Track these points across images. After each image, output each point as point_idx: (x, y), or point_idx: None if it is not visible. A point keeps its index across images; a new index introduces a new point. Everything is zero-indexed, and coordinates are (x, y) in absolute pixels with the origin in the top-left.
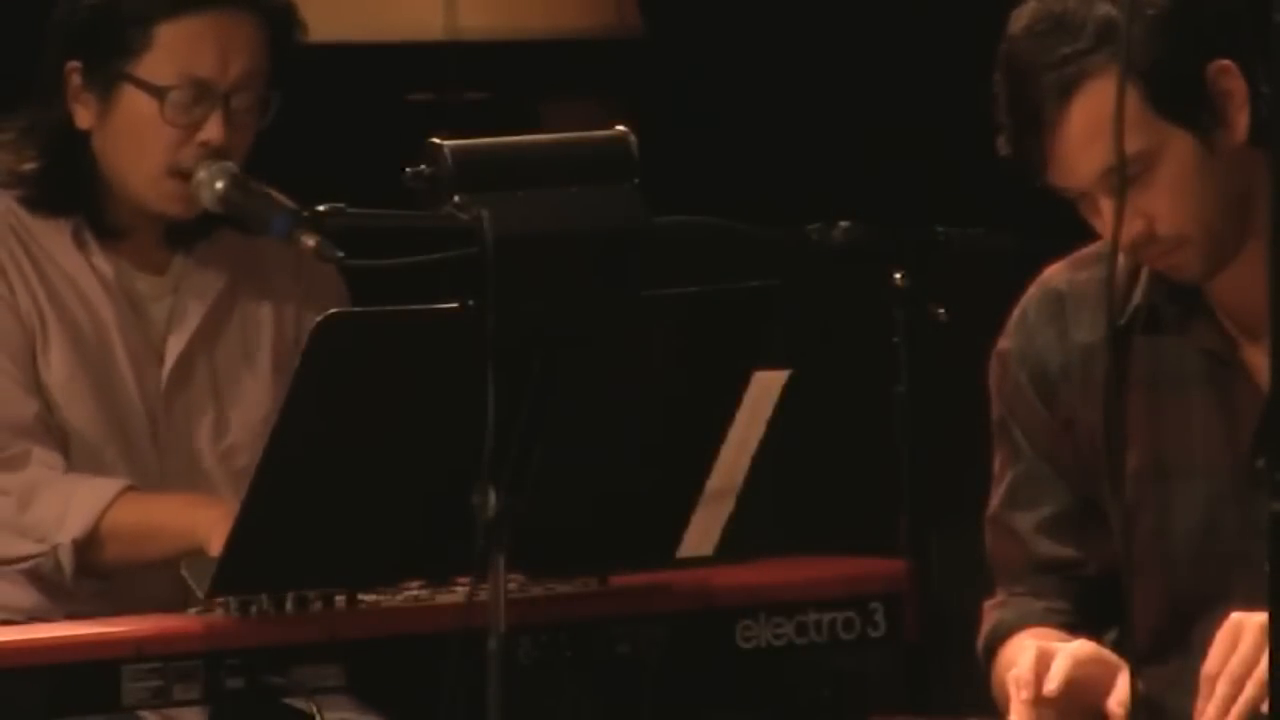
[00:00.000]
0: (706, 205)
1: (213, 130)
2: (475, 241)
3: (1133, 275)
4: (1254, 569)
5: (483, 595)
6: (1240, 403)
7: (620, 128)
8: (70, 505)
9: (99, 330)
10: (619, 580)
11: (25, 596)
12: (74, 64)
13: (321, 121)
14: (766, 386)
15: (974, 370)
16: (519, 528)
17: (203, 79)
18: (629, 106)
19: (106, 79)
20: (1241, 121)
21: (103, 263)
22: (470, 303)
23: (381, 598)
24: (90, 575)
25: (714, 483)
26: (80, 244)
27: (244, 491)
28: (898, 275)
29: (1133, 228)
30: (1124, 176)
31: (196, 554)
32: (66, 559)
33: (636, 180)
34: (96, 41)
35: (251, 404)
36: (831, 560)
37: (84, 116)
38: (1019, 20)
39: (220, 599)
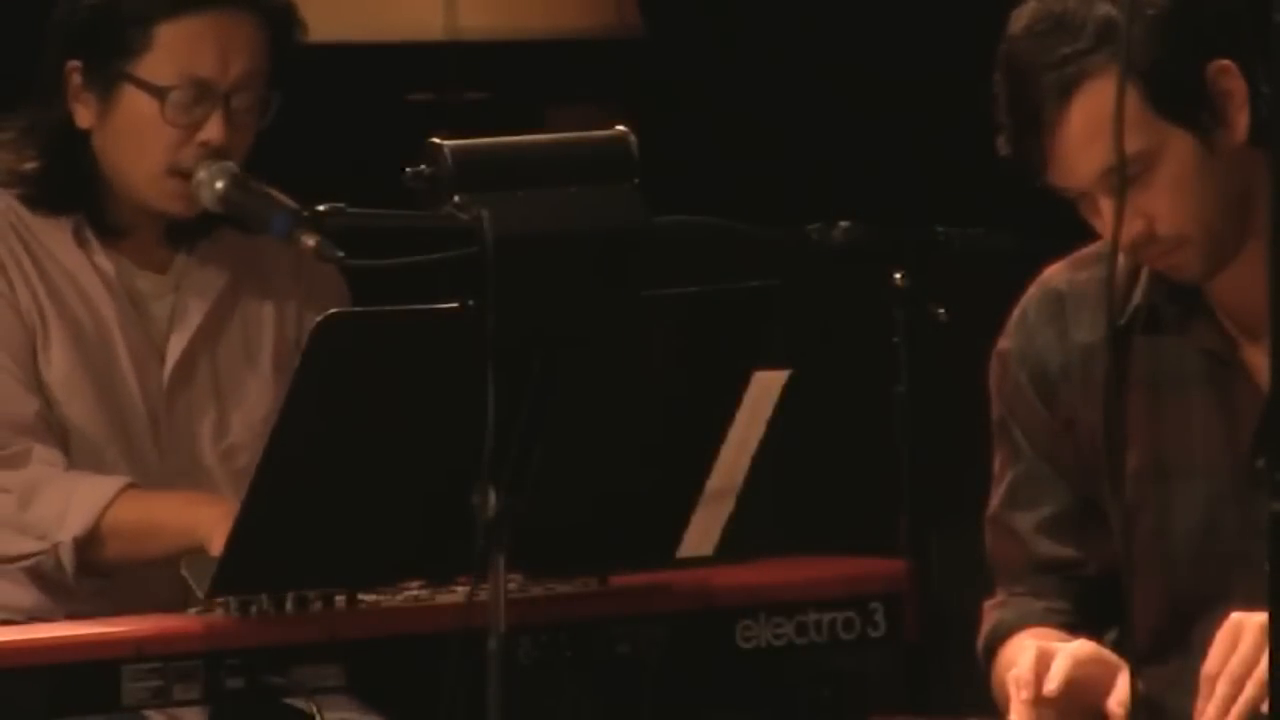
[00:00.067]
0: (706, 205)
1: (213, 130)
2: (475, 241)
3: (1133, 275)
4: (1254, 569)
5: (483, 595)
6: (1240, 403)
7: (620, 128)
8: (71, 503)
9: (100, 328)
10: (619, 580)
11: (25, 596)
12: (74, 64)
13: (321, 121)
14: (766, 386)
15: (974, 370)
16: (519, 528)
17: (203, 79)
18: (629, 107)
19: (107, 79)
20: (1241, 121)
21: (104, 261)
22: (470, 303)
23: (381, 598)
24: (91, 573)
25: (714, 483)
26: (81, 242)
27: (244, 491)
28: (898, 275)
29: (1133, 228)
30: (1124, 176)
31: (197, 553)
32: (67, 557)
33: (636, 180)
34: (97, 41)
35: (253, 404)
36: (831, 560)
37: (84, 116)
38: (1019, 20)
39: (220, 599)
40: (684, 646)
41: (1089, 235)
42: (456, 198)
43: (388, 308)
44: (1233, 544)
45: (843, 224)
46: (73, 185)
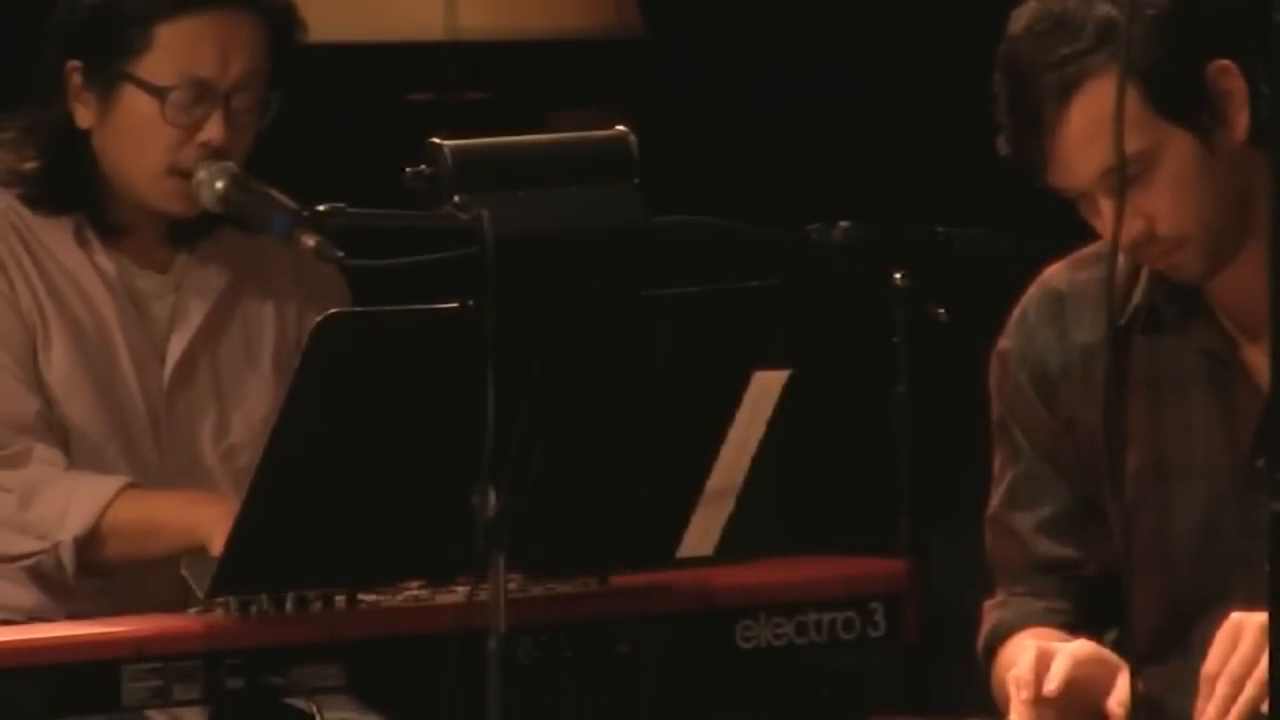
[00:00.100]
0: (706, 205)
1: (213, 130)
2: (475, 241)
3: (1133, 275)
4: (1254, 569)
5: (483, 595)
6: (1240, 403)
7: (620, 128)
8: (71, 502)
9: (101, 328)
10: (619, 580)
11: (26, 596)
12: (74, 64)
13: (321, 121)
14: (766, 386)
15: (974, 370)
16: (519, 528)
17: (203, 79)
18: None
19: (107, 79)
20: (1241, 121)
21: (105, 260)
22: (470, 303)
23: (381, 598)
24: (92, 573)
25: (714, 483)
26: (82, 242)
27: (245, 491)
28: (898, 275)
29: (1133, 228)
30: (1124, 176)
31: (197, 552)
32: (68, 556)
33: (636, 180)
34: (97, 41)
35: (253, 404)
36: (831, 560)
37: (84, 116)
38: (1019, 20)
39: (220, 599)
40: (684, 646)
41: (1089, 235)
42: (456, 198)
43: (388, 308)
44: (1233, 544)
45: (843, 224)
46: (73, 185)
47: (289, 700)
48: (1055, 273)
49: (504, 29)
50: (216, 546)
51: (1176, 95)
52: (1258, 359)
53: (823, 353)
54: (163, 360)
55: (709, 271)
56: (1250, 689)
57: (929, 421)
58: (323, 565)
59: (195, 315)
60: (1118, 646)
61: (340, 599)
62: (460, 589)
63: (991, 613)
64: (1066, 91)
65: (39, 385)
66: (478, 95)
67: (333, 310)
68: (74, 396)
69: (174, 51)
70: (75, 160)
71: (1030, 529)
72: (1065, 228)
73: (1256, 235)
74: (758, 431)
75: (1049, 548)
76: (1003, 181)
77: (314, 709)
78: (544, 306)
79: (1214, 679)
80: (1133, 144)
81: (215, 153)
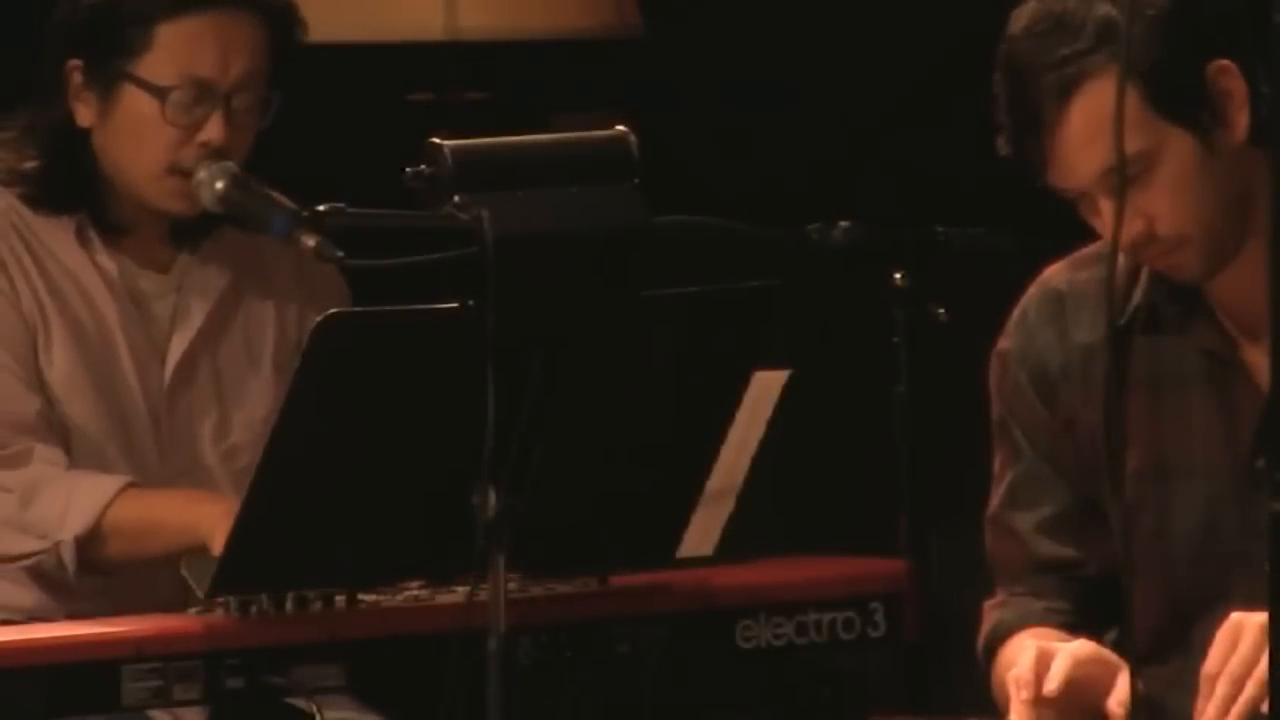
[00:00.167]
0: (706, 205)
1: (213, 130)
2: (475, 241)
3: (1133, 275)
4: (1254, 569)
5: (483, 595)
6: (1240, 403)
7: (620, 127)
8: (72, 502)
9: (102, 327)
10: (619, 580)
11: (26, 596)
12: (75, 63)
13: (321, 121)
14: (766, 386)
15: (974, 370)
16: (519, 528)
17: (203, 79)
18: (629, 107)
19: (107, 78)
20: (1241, 121)
21: (106, 260)
22: (470, 303)
23: (381, 598)
24: (92, 572)
25: (714, 483)
26: (83, 241)
27: (245, 491)
28: (898, 275)
29: (1133, 228)
30: (1124, 176)
31: (198, 552)
32: (68, 555)
33: (636, 180)
34: (97, 41)
35: (254, 404)
36: (831, 560)
37: (85, 115)
38: (1019, 20)
39: (220, 599)
40: (684, 646)
41: (1089, 235)
42: (456, 198)
43: (388, 308)
44: (1233, 544)
45: (843, 224)
46: (74, 184)
47: (289, 700)
48: (1055, 273)
49: (504, 29)
50: (217, 546)
51: (1176, 95)
52: (1258, 359)
53: (823, 353)
54: (163, 360)
55: (709, 271)
56: (1250, 689)
57: (929, 421)
58: (323, 565)
59: (196, 315)
60: (1118, 646)
61: (340, 599)
62: (460, 589)
63: (991, 613)
64: (1066, 92)
65: (40, 385)
66: (478, 95)
67: (333, 310)
68: (75, 396)
69: (174, 51)
70: (76, 160)
71: (1030, 529)
72: (1065, 228)
73: (1256, 235)
74: (758, 431)
75: (1049, 548)
76: (1003, 181)
77: (314, 709)
78: (544, 306)
79: (1214, 679)
80: (1133, 144)
81: (215, 153)
